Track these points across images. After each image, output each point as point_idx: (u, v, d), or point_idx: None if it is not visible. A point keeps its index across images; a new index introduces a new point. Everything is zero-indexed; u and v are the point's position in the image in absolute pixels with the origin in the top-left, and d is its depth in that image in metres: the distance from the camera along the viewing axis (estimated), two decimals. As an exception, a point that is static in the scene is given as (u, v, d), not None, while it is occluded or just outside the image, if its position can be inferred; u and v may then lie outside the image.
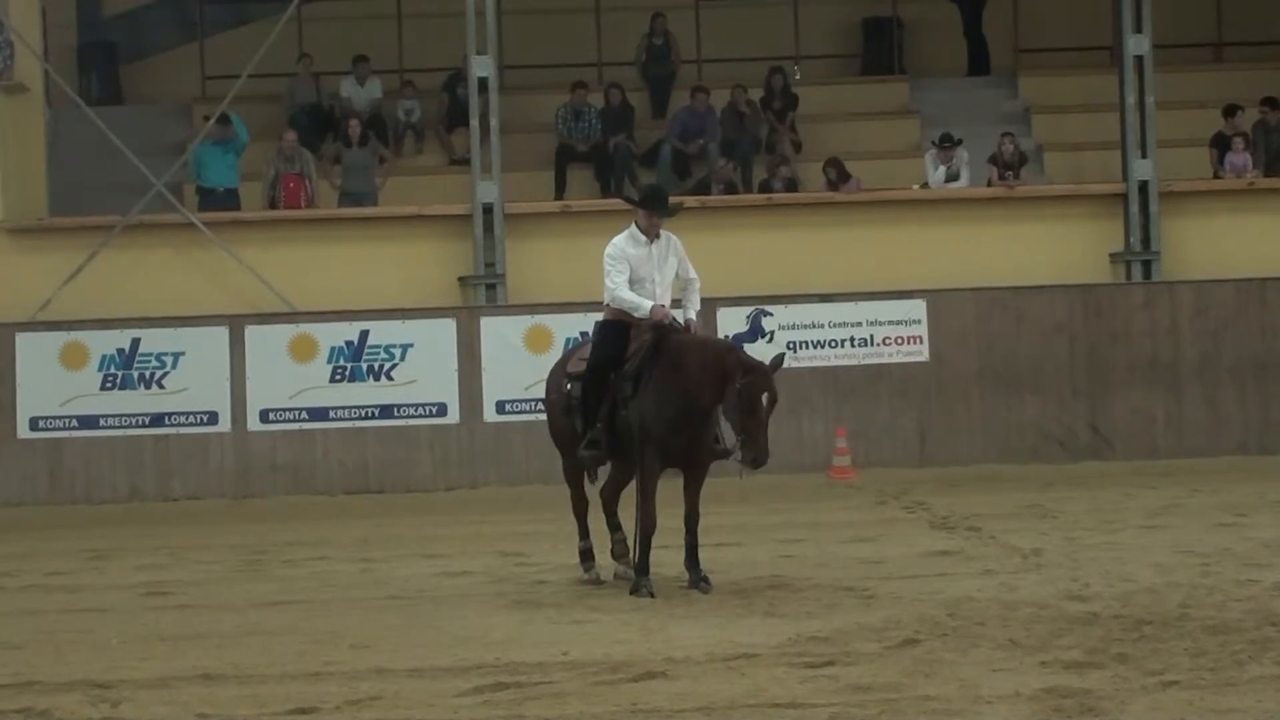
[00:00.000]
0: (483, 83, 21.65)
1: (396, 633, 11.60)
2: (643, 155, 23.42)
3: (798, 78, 24.42)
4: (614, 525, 13.56)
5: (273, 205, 22.45)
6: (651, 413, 12.83)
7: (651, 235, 13.41)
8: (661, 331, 13.16)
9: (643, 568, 12.80)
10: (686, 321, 13.40)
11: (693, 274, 13.67)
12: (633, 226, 13.45)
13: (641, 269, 13.37)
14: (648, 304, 13.18)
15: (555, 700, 9.28)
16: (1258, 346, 21.64)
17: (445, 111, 24.00)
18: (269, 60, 22.68)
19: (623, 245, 13.43)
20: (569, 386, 13.52)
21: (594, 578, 13.31)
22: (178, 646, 11.33)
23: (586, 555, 13.54)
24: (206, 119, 22.70)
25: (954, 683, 9.34)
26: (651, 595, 12.55)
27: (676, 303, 13.61)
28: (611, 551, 13.48)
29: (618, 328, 13.39)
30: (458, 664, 10.37)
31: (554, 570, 13.84)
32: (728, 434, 12.89)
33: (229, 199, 22.58)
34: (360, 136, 23.09)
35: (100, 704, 9.72)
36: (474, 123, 21.73)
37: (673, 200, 14.07)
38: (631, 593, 12.61)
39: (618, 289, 13.26)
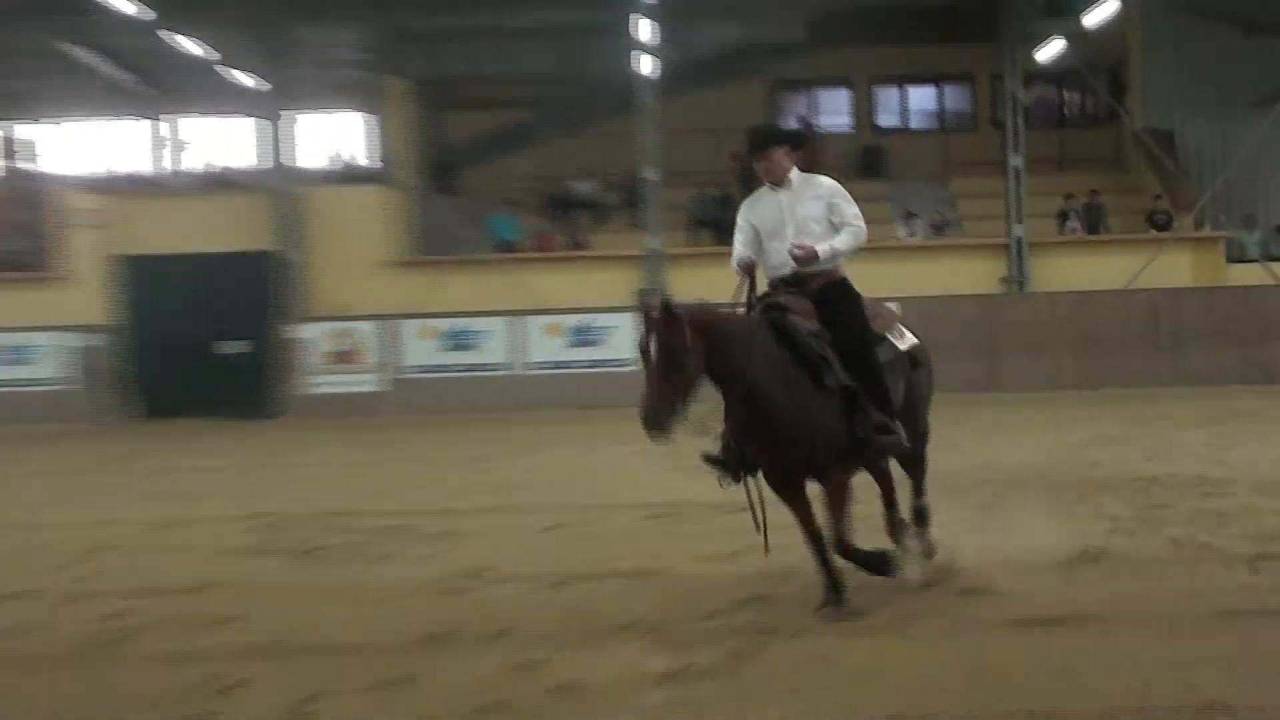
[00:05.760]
0: (649, 182, 26.82)
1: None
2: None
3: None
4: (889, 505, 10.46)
5: (536, 249, 27.98)
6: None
7: (773, 179, 9.39)
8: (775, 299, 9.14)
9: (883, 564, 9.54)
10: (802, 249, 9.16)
11: (850, 220, 9.41)
12: None
13: (770, 223, 9.43)
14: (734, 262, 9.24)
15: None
16: (1084, 328, 25.51)
17: (630, 196, 28.54)
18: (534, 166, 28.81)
19: (747, 205, 9.60)
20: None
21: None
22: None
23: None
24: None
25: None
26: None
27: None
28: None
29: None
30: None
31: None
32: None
33: (508, 246, 27.96)
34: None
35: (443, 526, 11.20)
36: (646, 203, 26.70)
37: (783, 132, 9.85)
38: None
39: (732, 259, 9.34)
